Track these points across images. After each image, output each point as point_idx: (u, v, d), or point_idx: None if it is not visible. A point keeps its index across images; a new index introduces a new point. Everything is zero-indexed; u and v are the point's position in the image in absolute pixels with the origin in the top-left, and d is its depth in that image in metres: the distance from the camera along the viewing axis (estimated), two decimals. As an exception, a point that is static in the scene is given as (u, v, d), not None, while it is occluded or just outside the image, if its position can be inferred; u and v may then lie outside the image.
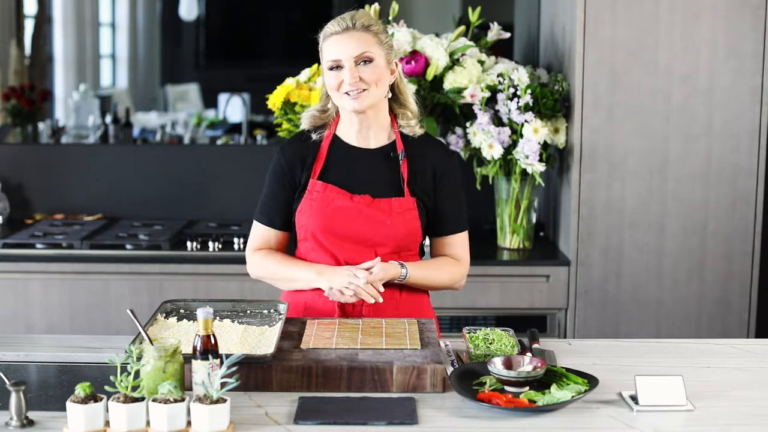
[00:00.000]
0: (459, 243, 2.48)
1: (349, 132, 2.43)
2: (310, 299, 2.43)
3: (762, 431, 1.86)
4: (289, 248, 2.52)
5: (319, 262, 2.42)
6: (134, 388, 1.80)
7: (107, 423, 1.77)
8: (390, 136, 2.43)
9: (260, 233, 2.48)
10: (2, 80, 5.00)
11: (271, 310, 2.38)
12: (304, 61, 3.51)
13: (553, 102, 3.39)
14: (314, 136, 2.45)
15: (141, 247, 3.53)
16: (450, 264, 2.47)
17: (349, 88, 2.32)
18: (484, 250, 3.57)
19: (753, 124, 3.39)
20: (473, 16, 3.53)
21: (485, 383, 2.02)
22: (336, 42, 2.33)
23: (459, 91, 3.39)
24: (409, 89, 2.47)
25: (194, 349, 1.87)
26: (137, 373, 1.82)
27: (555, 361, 2.21)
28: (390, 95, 2.41)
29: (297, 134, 2.51)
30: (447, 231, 2.46)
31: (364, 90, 2.32)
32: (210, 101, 6.39)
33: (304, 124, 2.47)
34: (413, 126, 2.43)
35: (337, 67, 2.33)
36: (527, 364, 2.02)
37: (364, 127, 2.41)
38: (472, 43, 3.51)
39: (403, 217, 2.37)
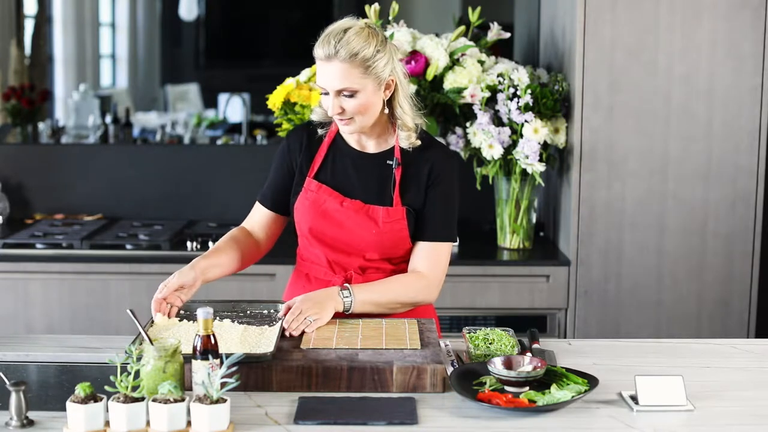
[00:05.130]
0: (429, 253, 2.38)
1: (349, 135, 2.42)
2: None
3: (762, 431, 1.86)
4: (291, 240, 2.53)
5: (313, 260, 2.45)
6: (134, 388, 1.80)
7: (107, 423, 1.77)
8: (390, 142, 2.41)
9: (253, 209, 2.51)
10: (2, 80, 5.00)
11: (271, 310, 2.38)
12: (304, 61, 3.48)
13: (553, 102, 3.39)
14: (320, 131, 2.44)
15: (141, 247, 3.53)
16: (406, 279, 2.37)
17: (331, 114, 2.30)
18: (484, 250, 3.58)
19: (753, 124, 3.39)
20: (473, 16, 3.53)
21: (485, 383, 2.02)
22: (320, 68, 2.27)
23: (459, 91, 3.39)
24: (409, 97, 2.37)
25: (194, 349, 1.87)
26: (137, 373, 1.82)
27: (555, 361, 2.21)
28: (387, 110, 2.34)
29: (306, 122, 2.50)
30: (424, 236, 2.38)
31: (349, 118, 2.29)
32: (210, 101, 6.39)
33: (314, 116, 2.45)
34: (412, 139, 2.35)
35: (325, 92, 2.29)
36: (527, 364, 2.02)
37: (362, 138, 2.41)
38: (472, 43, 3.51)
39: (390, 226, 2.35)
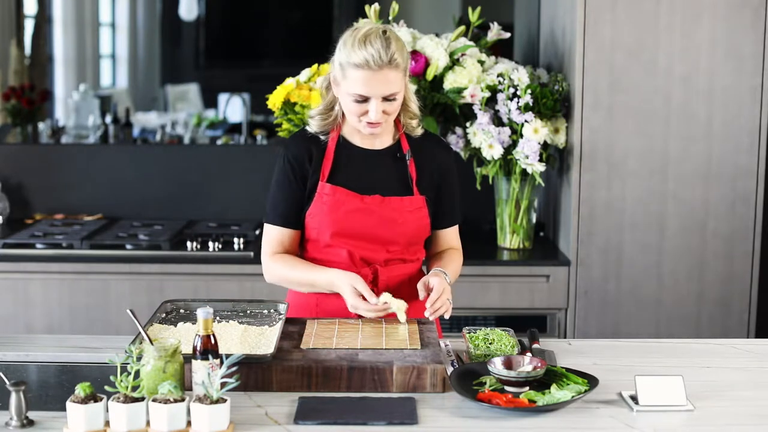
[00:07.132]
0: (456, 233, 2.57)
1: (355, 134, 2.42)
2: (322, 296, 2.42)
3: (762, 431, 1.86)
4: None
5: (335, 261, 2.40)
6: (134, 388, 1.80)
7: (107, 423, 1.77)
8: (394, 137, 2.44)
9: (275, 236, 2.42)
10: (2, 80, 5.00)
11: (271, 310, 2.39)
12: (304, 61, 3.51)
13: (553, 102, 3.39)
14: (322, 138, 2.42)
15: (141, 247, 3.53)
16: (457, 256, 2.55)
17: (373, 120, 2.30)
18: (484, 250, 3.57)
19: (753, 124, 3.39)
20: (473, 16, 3.53)
21: (485, 383, 2.02)
22: (367, 78, 2.24)
23: (459, 91, 3.39)
24: (411, 90, 2.44)
25: (194, 349, 1.87)
26: (137, 373, 1.82)
27: (555, 361, 2.21)
28: None
29: (299, 132, 2.48)
30: (447, 223, 2.53)
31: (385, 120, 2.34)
32: (210, 101, 6.39)
33: (312, 128, 2.42)
34: (414, 126, 2.44)
35: (363, 99, 2.27)
36: (527, 364, 2.02)
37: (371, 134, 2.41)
38: (472, 43, 3.51)
39: (413, 215, 2.41)
